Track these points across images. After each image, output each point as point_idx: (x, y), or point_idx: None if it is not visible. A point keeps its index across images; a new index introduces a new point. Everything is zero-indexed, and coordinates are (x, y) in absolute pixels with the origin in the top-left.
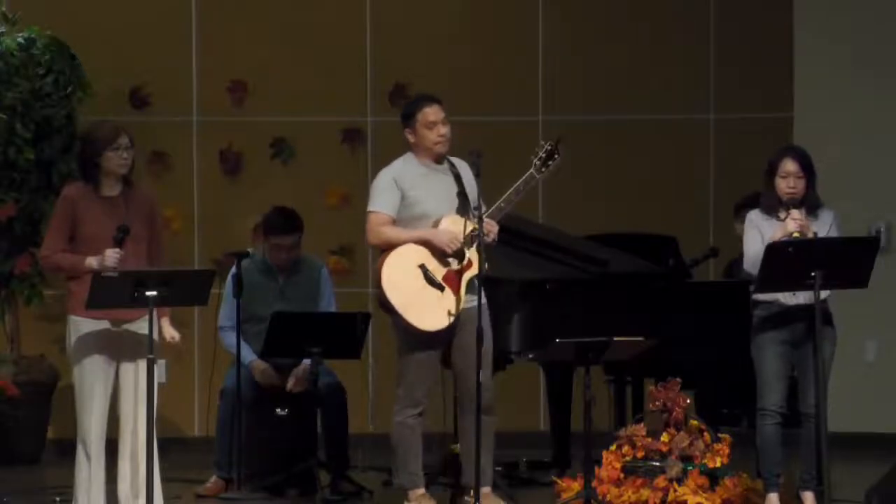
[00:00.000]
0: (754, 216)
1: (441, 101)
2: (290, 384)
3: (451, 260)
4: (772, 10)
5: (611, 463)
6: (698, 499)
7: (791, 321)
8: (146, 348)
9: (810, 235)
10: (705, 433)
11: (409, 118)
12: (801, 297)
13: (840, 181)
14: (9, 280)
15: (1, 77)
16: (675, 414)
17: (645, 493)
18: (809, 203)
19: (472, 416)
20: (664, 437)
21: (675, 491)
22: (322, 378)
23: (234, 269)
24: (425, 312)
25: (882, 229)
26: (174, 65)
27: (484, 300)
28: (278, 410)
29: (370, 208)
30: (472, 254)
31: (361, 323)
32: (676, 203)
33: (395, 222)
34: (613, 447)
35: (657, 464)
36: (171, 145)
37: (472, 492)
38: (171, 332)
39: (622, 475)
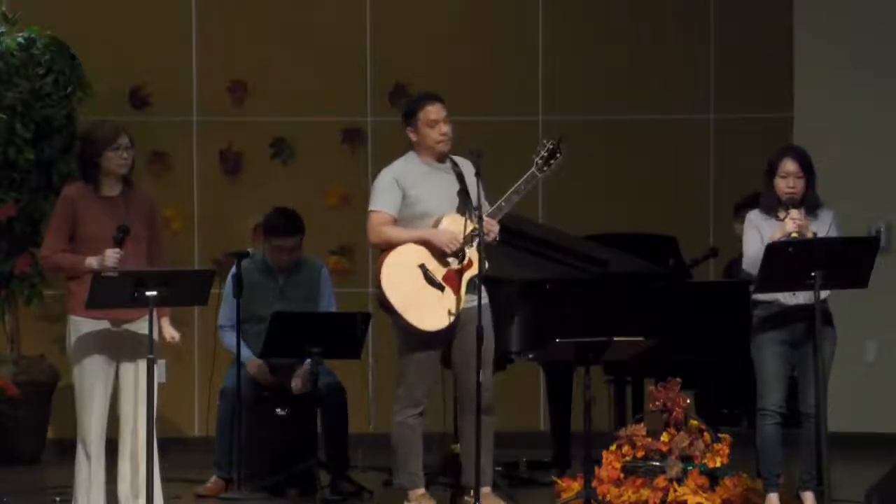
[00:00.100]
0: (754, 216)
1: (443, 99)
2: (295, 385)
3: (451, 259)
4: (772, 10)
5: (611, 463)
6: (698, 499)
7: (791, 321)
8: (146, 348)
9: (809, 235)
10: (705, 433)
11: (410, 116)
12: (800, 297)
13: (840, 181)
14: (9, 280)
15: (1, 77)
16: (675, 414)
17: (645, 493)
18: (809, 203)
19: (473, 416)
20: (664, 437)
21: (675, 491)
22: (322, 378)
23: (234, 269)
24: (425, 312)
25: (882, 229)
26: (174, 65)
27: (486, 300)
28: (278, 410)
29: (371, 207)
30: (472, 253)
31: (361, 323)
32: (676, 203)
33: (396, 221)
34: (613, 447)
35: (657, 464)
36: (171, 145)
37: (472, 492)
38: (171, 332)
39: (622, 475)
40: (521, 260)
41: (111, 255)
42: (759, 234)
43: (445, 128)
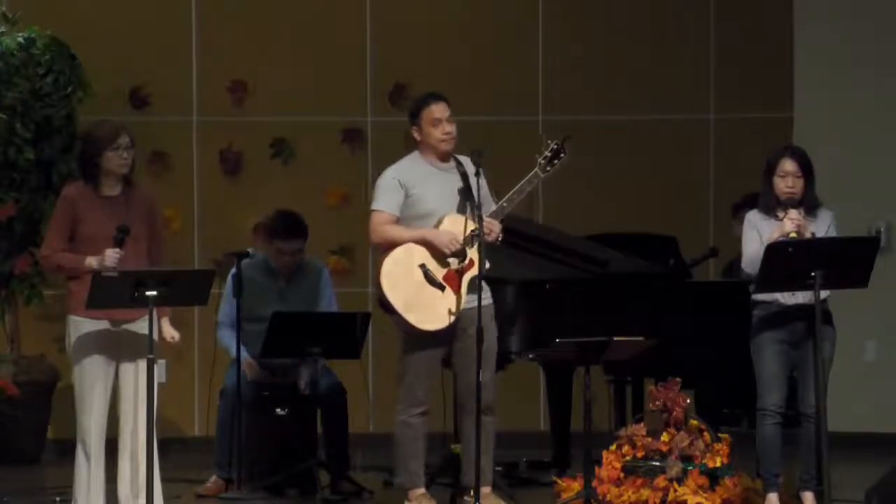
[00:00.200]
0: (753, 216)
1: (447, 99)
2: (302, 386)
3: (452, 260)
4: (772, 10)
5: (611, 463)
6: (698, 499)
7: (790, 321)
8: (146, 348)
9: (808, 235)
10: (705, 433)
11: (414, 116)
12: (800, 297)
13: (840, 181)
14: (9, 280)
15: (1, 77)
16: (675, 414)
17: (645, 493)
18: (808, 203)
19: (474, 416)
20: (664, 437)
21: (675, 491)
22: (322, 378)
23: (234, 269)
24: (426, 312)
25: (882, 229)
26: (174, 65)
27: (490, 300)
28: (278, 410)
29: (373, 207)
30: (473, 253)
31: (361, 323)
32: (676, 203)
33: (398, 221)
34: (613, 447)
35: (657, 464)
36: (171, 145)
37: (472, 492)
38: (170, 332)
39: (622, 475)
40: (521, 260)
41: (111, 255)
42: (758, 234)
43: (449, 127)
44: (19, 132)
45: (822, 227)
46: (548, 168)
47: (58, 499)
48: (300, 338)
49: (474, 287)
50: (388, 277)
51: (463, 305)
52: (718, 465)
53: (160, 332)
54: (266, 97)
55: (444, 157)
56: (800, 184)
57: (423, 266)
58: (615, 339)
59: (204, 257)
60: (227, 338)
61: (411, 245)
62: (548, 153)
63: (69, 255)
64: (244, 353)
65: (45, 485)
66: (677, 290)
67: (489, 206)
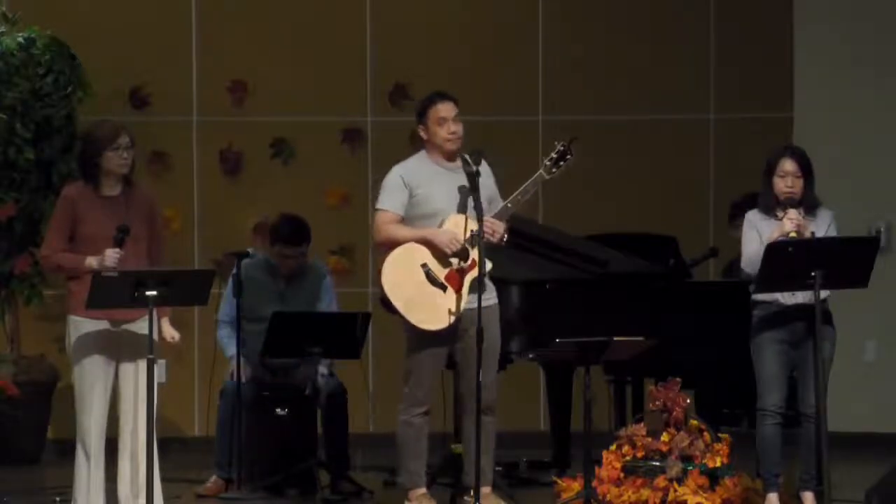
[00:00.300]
0: (752, 216)
1: (455, 98)
2: (308, 392)
3: (454, 259)
4: (772, 10)
5: (611, 463)
6: (698, 499)
7: (790, 321)
8: (146, 348)
9: (807, 235)
10: (705, 433)
11: (421, 115)
12: (799, 297)
13: (840, 181)
14: (9, 280)
15: (1, 77)
16: (675, 414)
17: (645, 493)
18: (807, 203)
19: (474, 416)
20: (664, 437)
21: (675, 491)
22: (322, 378)
23: (235, 269)
24: (427, 312)
25: (882, 229)
26: (174, 65)
27: (496, 300)
28: (278, 410)
29: (377, 206)
30: (476, 253)
31: (361, 323)
32: (676, 203)
33: (403, 221)
34: (613, 447)
35: (657, 464)
36: (171, 145)
37: (472, 492)
38: (170, 332)
39: (622, 475)
40: (522, 260)
41: (111, 255)
42: (757, 234)
43: (455, 126)
44: (19, 132)
45: (821, 226)
46: (553, 169)
47: (58, 499)
48: (300, 338)
49: (481, 287)
50: (389, 277)
51: (465, 306)
52: (718, 465)
53: (160, 332)
54: (266, 97)
55: (451, 156)
56: (799, 184)
57: (424, 266)
58: (615, 339)
59: (204, 257)
60: (226, 337)
61: (413, 245)
62: (554, 154)
63: (69, 255)
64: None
65: (45, 485)
66: (677, 290)
67: (497, 205)
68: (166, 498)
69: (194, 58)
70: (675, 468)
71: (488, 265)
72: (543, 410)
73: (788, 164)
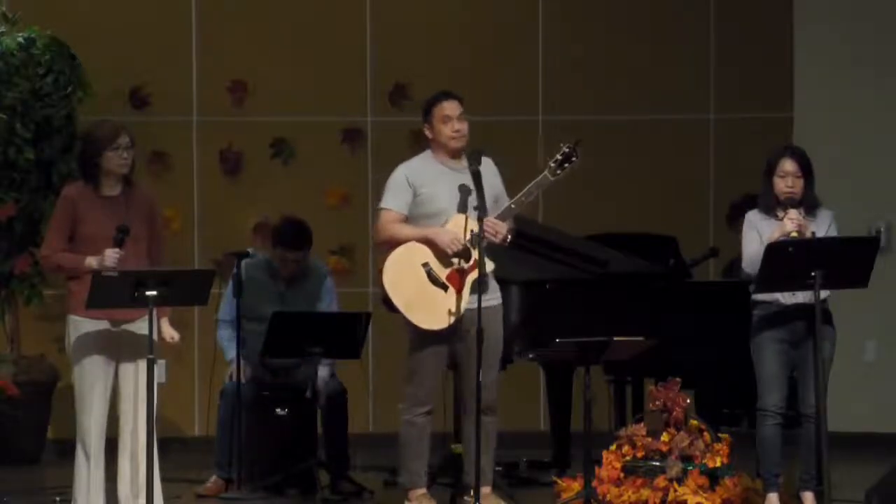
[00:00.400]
0: (753, 216)
1: (460, 97)
2: (309, 395)
3: (456, 259)
4: (772, 10)
5: (611, 463)
6: (698, 499)
7: (790, 321)
8: (146, 348)
9: (808, 235)
10: (705, 433)
11: (426, 114)
12: (799, 297)
13: (840, 181)
14: (9, 280)
15: (1, 77)
16: (675, 414)
17: (645, 493)
18: (808, 203)
19: (474, 416)
20: (664, 437)
21: (675, 491)
22: (322, 378)
23: (235, 269)
24: (427, 312)
25: (882, 229)
26: (174, 65)
27: (499, 300)
28: (278, 410)
29: (381, 205)
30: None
31: (361, 323)
32: (676, 203)
33: (407, 220)
34: (613, 447)
35: (657, 464)
36: (171, 145)
37: (472, 492)
38: (170, 333)
39: (622, 475)
40: (522, 260)
41: (111, 255)
42: (758, 234)
43: (459, 125)
44: (19, 132)
45: (822, 226)
46: (558, 171)
47: (58, 499)
48: (300, 338)
49: (485, 287)
50: (390, 276)
51: (468, 306)
52: (718, 465)
53: (160, 332)
54: (266, 97)
55: (456, 154)
56: (800, 184)
57: (426, 265)
58: (615, 339)
59: (204, 257)
60: (226, 339)
61: (414, 244)
62: (559, 156)
63: (69, 255)
64: (233, 356)
65: (45, 485)
66: (677, 290)
67: (502, 205)
68: (166, 498)
69: (194, 58)
70: (675, 468)
71: (491, 266)
72: (543, 410)
73: (789, 165)
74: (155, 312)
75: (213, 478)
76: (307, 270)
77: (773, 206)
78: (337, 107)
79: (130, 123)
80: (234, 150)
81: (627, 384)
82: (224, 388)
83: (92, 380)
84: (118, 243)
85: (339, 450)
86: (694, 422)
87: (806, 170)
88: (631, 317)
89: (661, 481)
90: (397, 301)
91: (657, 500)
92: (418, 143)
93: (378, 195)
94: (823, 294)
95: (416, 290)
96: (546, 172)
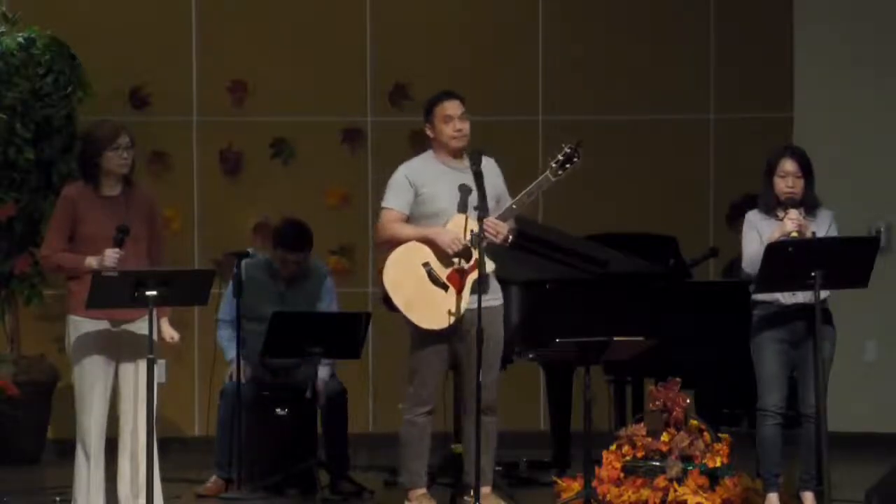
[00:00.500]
0: (753, 216)
1: (461, 97)
2: (309, 395)
3: (458, 260)
4: (772, 10)
5: (611, 463)
6: (698, 499)
7: (790, 321)
8: (146, 348)
9: (808, 235)
10: (705, 433)
11: (428, 113)
12: (799, 297)
13: (840, 181)
14: (9, 280)
15: (1, 77)
16: (675, 414)
17: (645, 493)
18: (808, 203)
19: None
20: (664, 437)
21: (675, 491)
22: (322, 380)
23: (236, 269)
24: (427, 311)
25: (882, 229)
26: (174, 65)
27: (500, 301)
28: (278, 410)
29: (382, 204)
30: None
31: (361, 323)
32: (676, 203)
33: (408, 220)
34: (613, 447)
35: (657, 464)
36: (171, 145)
37: (472, 492)
38: (170, 333)
39: (622, 475)
40: (523, 260)
41: (111, 255)
42: (758, 234)
43: (460, 124)
44: (19, 132)
45: (822, 227)
46: (559, 172)
47: (58, 499)
48: (300, 338)
49: (483, 288)
50: (390, 275)
51: (469, 306)
52: (718, 465)
53: (160, 332)
54: (266, 97)
55: (457, 154)
56: (800, 184)
57: (426, 265)
58: (615, 339)
59: (204, 257)
60: (226, 339)
61: (415, 243)
62: (560, 157)
63: (69, 255)
64: (233, 357)
65: (45, 485)
66: (677, 290)
67: (504, 205)
68: (166, 498)
69: (194, 58)
70: (675, 468)
71: (492, 266)
72: (543, 410)
73: (789, 165)
74: (155, 312)
75: (213, 478)
76: (307, 271)
77: (773, 206)
78: (337, 107)
79: (130, 123)
80: (234, 150)
81: (627, 384)
82: (224, 388)
83: (92, 380)
84: (118, 243)
85: (339, 450)
86: (694, 422)
87: (806, 170)
88: (631, 317)
89: (661, 481)
90: (397, 300)
91: (657, 500)
92: (418, 143)
93: (378, 195)
94: (823, 294)
95: (417, 290)
96: (547, 173)
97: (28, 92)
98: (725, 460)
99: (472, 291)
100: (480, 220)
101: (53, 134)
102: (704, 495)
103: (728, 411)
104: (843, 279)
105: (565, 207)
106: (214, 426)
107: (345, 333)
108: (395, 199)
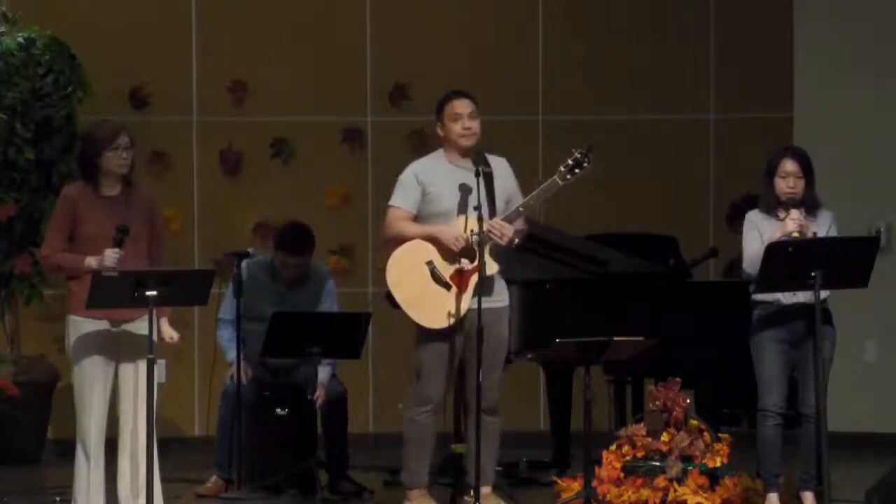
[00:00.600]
0: (753, 216)
1: (472, 96)
2: (317, 398)
3: (463, 260)
4: (772, 10)
5: (611, 463)
6: (698, 499)
7: (790, 321)
8: (146, 348)
9: (810, 235)
10: (705, 433)
11: (438, 112)
12: (800, 297)
13: (840, 181)
14: (9, 280)
15: (1, 77)
16: (675, 414)
17: (645, 493)
18: (808, 203)
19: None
20: (664, 437)
21: (675, 491)
22: (321, 382)
23: (236, 269)
24: (428, 310)
25: (882, 229)
26: (174, 65)
27: (506, 301)
28: (278, 410)
29: (390, 203)
30: (487, 255)
31: (361, 323)
32: (676, 203)
33: (416, 219)
34: (613, 447)
35: (657, 464)
36: (171, 145)
37: (472, 491)
38: (170, 333)
39: (622, 475)
40: (524, 260)
41: (110, 255)
42: (758, 233)
43: (469, 122)
44: (19, 132)
45: (822, 227)
46: (568, 176)
47: (58, 499)
48: (300, 338)
49: (487, 289)
50: (393, 273)
51: (472, 306)
52: (718, 465)
53: (159, 332)
54: (266, 97)
55: (467, 153)
56: (801, 184)
57: (430, 263)
58: (615, 339)
59: (204, 257)
60: (226, 340)
61: (420, 242)
62: (570, 161)
63: (69, 255)
64: (233, 358)
65: (45, 485)
66: (677, 290)
67: (512, 206)
68: (166, 498)
69: (194, 58)
70: (675, 468)
71: (496, 267)
72: (543, 410)
73: (790, 165)
74: (155, 312)
75: (213, 478)
76: (309, 273)
77: (773, 206)
78: (337, 107)
79: (130, 123)
80: (234, 150)
81: (627, 384)
82: (225, 389)
83: (92, 380)
84: (118, 243)
85: (339, 450)
86: (694, 422)
87: (807, 170)
88: (631, 317)
89: (661, 481)
90: (399, 297)
91: (657, 500)
92: (418, 143)
93: (378, 195)
94: (823, 294)
95: (419, 288)
96: (555, 177)
97: (28, 92)
98: (725, 460)
99: (489, 292)
100: (480, 219)
101: (53, 134)
102: (704, 495)
103: (728, 411)
104: (843, 279)
105: (565, 207)
106: (214, 426)
107: (345, 333)
108: (403, 198)
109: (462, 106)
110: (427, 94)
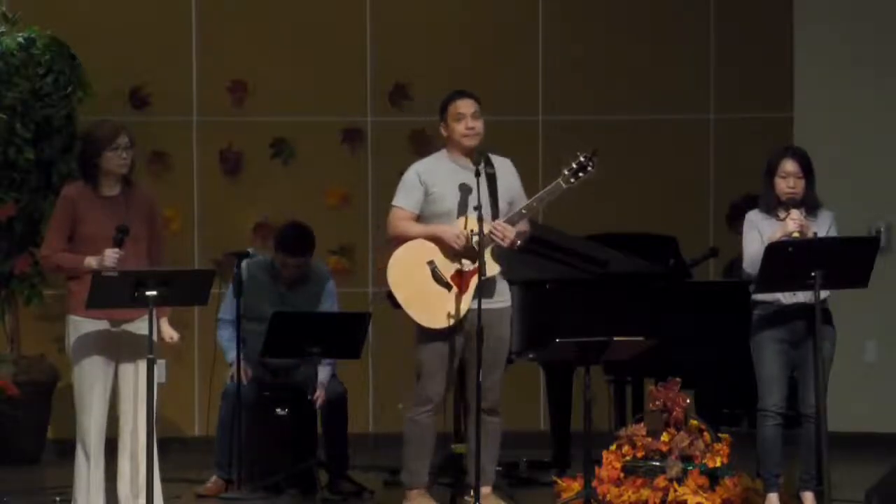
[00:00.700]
0: (753, 216)
1: (475, 96)
2: (317, 398)
3: (464, 261)
4: (772, 10)
5: (611, 463)
6: (698, 499)
7: (790, 321)
8: (146, 348)
9: (810, 235)
10: (705, 433)
11: (442, 112)
12: (800, 297)
13: (840, 181)
14: (9, 280)
15: (1, 77)
16: (675, 414)
17: (645, 493)
18: (809, 203)
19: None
20: (664, 437)
21: (675, 491)
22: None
23: (236, 269)
24: (427, 310)
25: (882, 229)
26: (174, 65)
27: (508, 302)
28: (278, 410)
29: (393, 202)
30: (489, 256)
31: (361, 323)
32: (676, 203)
33: (418, 219)
34: (613, 447)
35: (657, 464)
36: (171, 145)
37: (472, 491)
38: (169, 333)
39: (622, 475)
40: (522, 260)
41: (110, 255)
42: (758, 233)
43: (473, 122)
44: (19, 132)
45: (822, 227)
46: (572, 180)
47: (58, 499)
48: (300, 338)
49: (488, 290)
50: (394, 272)
51: (473, 306)
52: (718, 465)
53: (159, 332)
54: (266, 97)
55: (470, 153)
56: (801, 184)
57: (431, 263)
58: (615, 339)
59: (204, 257)
60: (227, 340)
61: (421, 241)
62: (574, 165)
63: (69, 255)
64: (233, 358)
65: (45, 485)
66: (677, 290)
67: (516, 207)
68: (166, 498)
69: (194, 58)
70: (675, 468)
71: (498, 268)
72: (543, 410)
73: (790, 165)
74: (155, 312)
75: (213, 478)
76: (309, 274)
77: (774, 206)
78: (337, 107)
79: (130, 123)
80: (234, 150)
81: (627, 384)
82: (225, 390)
83: (92, 380)
84: (118, 243)
85: (339, 450)
86: (694, 422)
87: (807, 170)
88: (631, 317)
89: (661, 481)
90: (400, 297)
91: (657, 500)
92: (418, 143)
93: (378, 195)
94: (823, 294)
95: (420, 288)
96: (559, 180)
97: (28, 92)
98: (725, 460)
99: (490, 293)
100: (480, 220)
101: (53, 134)
102: (704, 495)
103: (728, 411)
104: (844, 279)
105: (565, 207)
106: (214, 426)
107: (345, 333)
108: (405, 197)
109: (465, 106)
110: (427, 94)
